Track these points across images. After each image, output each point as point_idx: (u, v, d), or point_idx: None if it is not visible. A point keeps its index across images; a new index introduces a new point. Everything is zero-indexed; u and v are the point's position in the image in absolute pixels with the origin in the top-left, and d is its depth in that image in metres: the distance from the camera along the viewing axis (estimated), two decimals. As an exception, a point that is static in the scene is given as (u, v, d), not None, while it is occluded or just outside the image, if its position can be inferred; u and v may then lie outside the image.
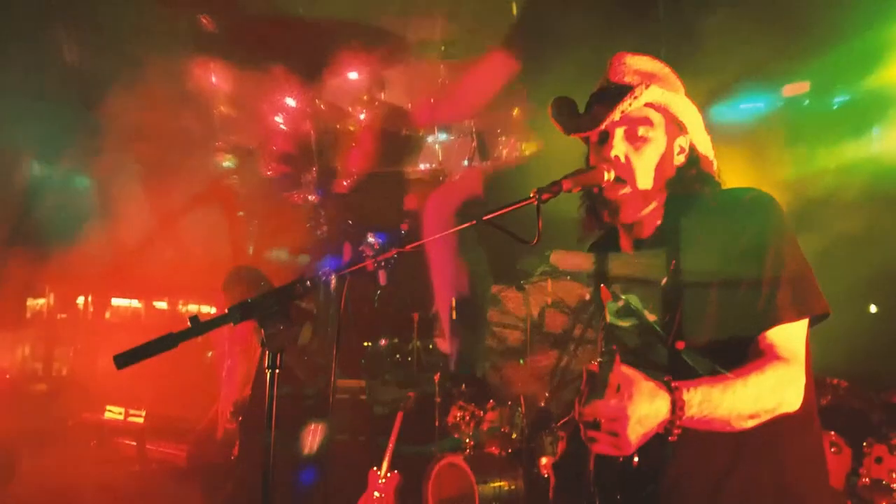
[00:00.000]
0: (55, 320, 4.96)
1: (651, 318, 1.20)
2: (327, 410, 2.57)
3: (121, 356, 0.96)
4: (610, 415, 0.94)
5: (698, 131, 1.27)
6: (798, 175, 3.49)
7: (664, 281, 1.19)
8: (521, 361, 4.10)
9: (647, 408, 0.95)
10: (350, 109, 5.32)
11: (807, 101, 3.83)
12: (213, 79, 4.97)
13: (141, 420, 3.16)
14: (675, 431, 0.97)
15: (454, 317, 4.46)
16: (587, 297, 4.28)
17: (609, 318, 1.30)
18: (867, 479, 2.33)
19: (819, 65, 3.53)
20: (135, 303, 5.20)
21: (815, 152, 3.56)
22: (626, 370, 0.97)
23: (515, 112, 4.88)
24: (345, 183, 5.31)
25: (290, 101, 5.18)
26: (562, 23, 4.15)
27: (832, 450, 2.43)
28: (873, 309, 3.21)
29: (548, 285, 4.39)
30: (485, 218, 1.19)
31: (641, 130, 1.21)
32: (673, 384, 0.98)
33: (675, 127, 1.24)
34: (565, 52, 3.84)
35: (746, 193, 1.16)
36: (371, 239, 4.68)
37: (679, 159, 1.24)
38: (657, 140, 1.22)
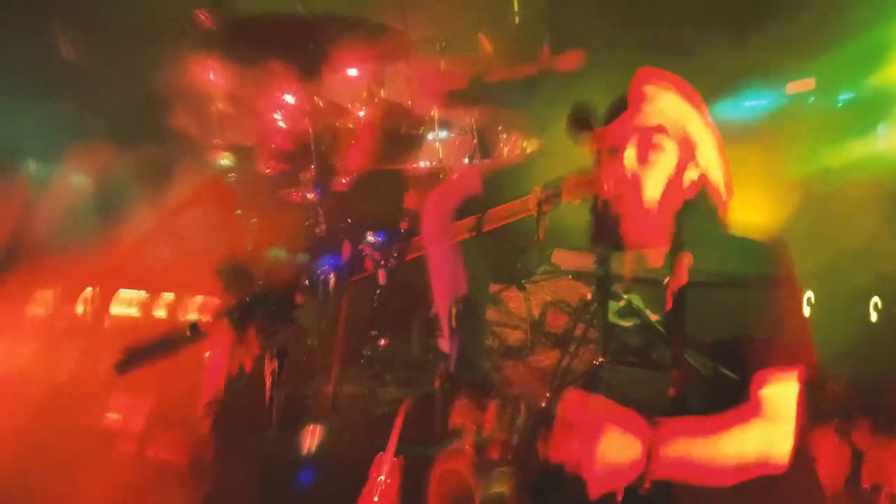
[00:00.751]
0: (55, 321, 5.00)
1: (653, 317, 1.25)
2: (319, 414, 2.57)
3: (121, 362, 0.99)
4: (573, 460, 0.96)
5: (714, 167, 1.28)
6: (802, 173, 3.51)
7: (666, 280, 1.21)
8: (522, 362, 4.12)
9: (614, 459, 0.95)
10: (349, 106, 5.34)
11: (811, 99, 3.85)
12: (211, 75, 4.99)
13: (141, 423, 3.19)
14: (645, 485, 0.98)
15: (454, 317, 4.49)
16: (589, 296, 4.29)
17: (611, 318, 1.32)
18: (867, 482, 2.36)
19: (824, 62, 3.55)
20: (135, 303, 5.22)
21: (819, 150, 3.58)
22: (596, 412, 0.97)
23: (516, 108, 4.89)
24: (344, 181, 5.32)
25: (289, 99, 5.20)
26: (562, 19, 4.17)
27: (832, 451, 2.46)
28: (876, 308, 3.23)
29: (549, 285, 4.41)
30: (485, 229, 1.23)
31: (653, 152, 1.23)
32: (653, 438, 0.98)
33: (688, 151, 1.26)
34: (567, 48, 3.87)
35: (756, 243, 1.19)
36: (371, 238, 4.69)
37: (689, 191, 1.26)
38: (667, 160, 1.24)
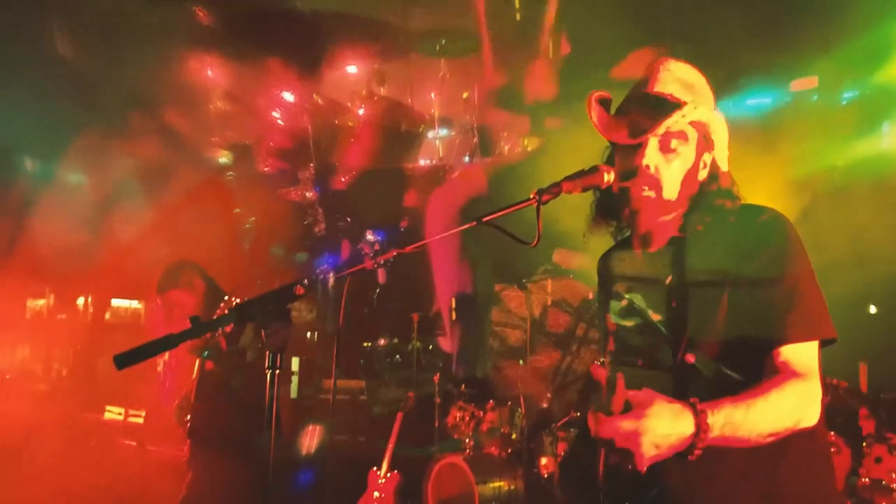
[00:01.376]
0: (55, 320, 5.00)
1: (655, 317, 1.22)
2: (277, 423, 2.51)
3: (121, 356, 0.98)
4: (623, 434, 0.95)
5: (723, 147, 1.28)
6: (806, 172, 3.50)
7: (669, 280, 1.21)
8: (522, 362, 4.13)
9: (667, 428, 0.96)
10: (349, 104, 5.34)
11: (815, 97, 3.85)
12: (209, 73, 4.99)
13: (141, 420, 3.20)
14: (696, 452, 0.98)
15: (455, 316, 4.50)
16: (590, 296, 4.31)
17: (612, 318, 1.33)
18: (867, 480, 2.37)
19: (827, 60, 3.54)
20: (135, 303, 5.22)
21: (823, 148, 3.58)
22: (644, 391, 0.97)
23: (517, 106, 4.90)
24: (343, 179, 5.32)
25: (288, 96, 5.20)
26: (565, 17, 4.17)
27: (832, 450, 2.48)
28: (873, 309, 3.25)
29: (550, 284, 4.41)
30: (484, 220, 1.22)
31: (674, 143, 1.23)
32: (699, 407, 0.99)
33: (705, 142, 1.25)
34: (570, 46, 3.86)
35: (764, 213, 1.17)
36: (370, 237, 4.70)
37: (702, 174, 1.26)
38: (687, 154, 1.25)
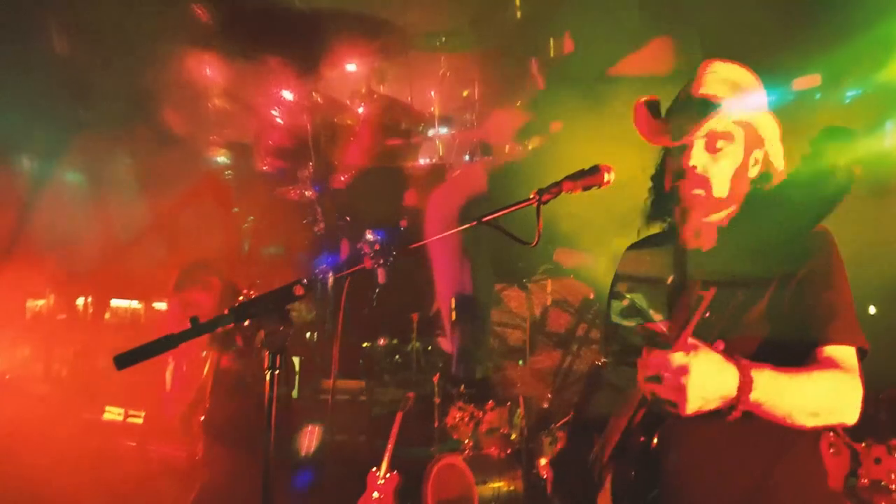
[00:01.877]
0: (55, 320, 5.02)
1: (657, 317, 1.22)
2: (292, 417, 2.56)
3: (121, 356, 0.99)
4: (675, 367, 0.95)
5: (775, 143, 1.29)
6: (808, 171, 3.51)
7: (670, 280, 1.23)
8: (522, 362, 4.15)
9: (713, 374, 0.96)
10: (348, 103, 5.34)
11: (818, 95, 3.85)
12: (207, 71, 4.99)
13: (141, 420, 3.22)
14: (736, 412, 0.97)
15: (455, 316, 4.51)
16: (591, 296, 4.32)
17: (613, 318, 1.34)
18: (866, 480, 2.38)
19: (830, 58, 3.54)
20: (135, 303, 5.24)
21: (825, 148, 3.58)
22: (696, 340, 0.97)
23: (518, 104, 4.91)
24: (342, 178, 5.34)
25: (287, 94, 5.20)
26: (566, 16, 4.18)
27: (831, 451, 2.49)
28: (872, 310, 3.26)
29: (550, 284, 4.42)
30: (484, 219, 1.24)
31: (720, 143, 1.24)
32: (742, 362, 0.99)
33: (754, 140, 1.27)
34: (569, 42, 3.87)
35: (812, 232, 1.20)
36: (369, 236, 4.70)
37: (753, 171, 1.28)
38: (735, 153, 1.26)
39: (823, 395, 1.05)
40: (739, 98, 1.24)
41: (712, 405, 0.97)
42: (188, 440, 2.54)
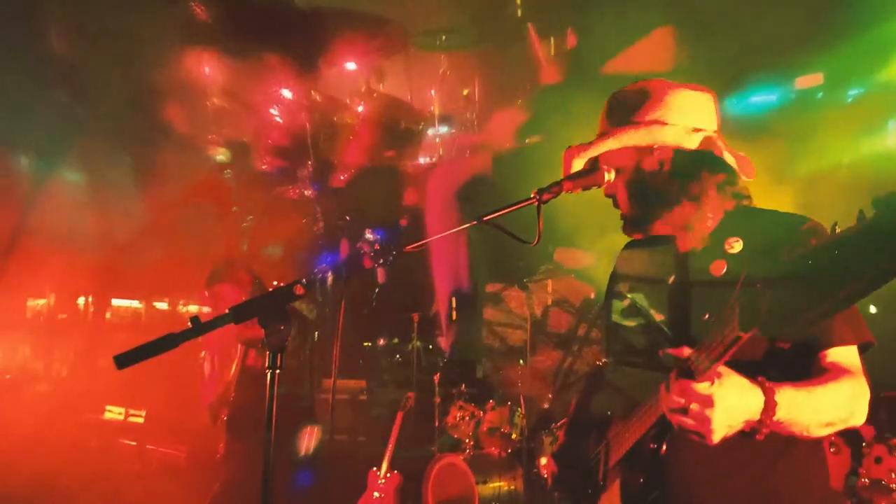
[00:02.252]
0: (55, 320, 5.03)
1: (658, 317, 1.23)
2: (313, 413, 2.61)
3: (121, 356, 1.00)
4: (699, 398, 0.95)
5: (677, 135, 1.24)
6: (810, 170, 3.51)
7: (671, 279, 1.23)
8: (523, 362, 4.15)
9: (736, 400, 0.97)
10: (347, 101, 5.35)
11: (820, 94, 3.85)
12: (207, 70, 4.99)
13: (141, 420, 3.22)
14: (764, 431, 0.99)
15: (454, 314, 4.52)
16: (592, 295, 4.32)
17: (614, 318, 1.34)
18: (866, 480, 2.39)
19: (833, 57, 3.54)
20: (135, 303, 5.25)
21: (828, 146, 3.59)
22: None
23: (518, 102, 4.92)
24: (342, 177, 5.34)
25: (286, 93, 5.20)
26: (567, 14, 4.18)
27: (831, 450, 2.49)
28: (872, 309, 3.27)
29: (551, 284, 4.43)
30: (485, 219, 1.24)
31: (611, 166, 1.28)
32: (766, 384, 1.00)
33: (657, 151, 1.26)
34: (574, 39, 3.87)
35: (807, 221, 1.19)
36: (369, 235, 4.71)
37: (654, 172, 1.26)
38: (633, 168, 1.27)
39: (839, 406, 1.08)
40: (684, 100, 1.24)
41: (737, 429, 0.99)
42: (214, 433, 2.58)
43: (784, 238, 1.15)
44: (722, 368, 0.98)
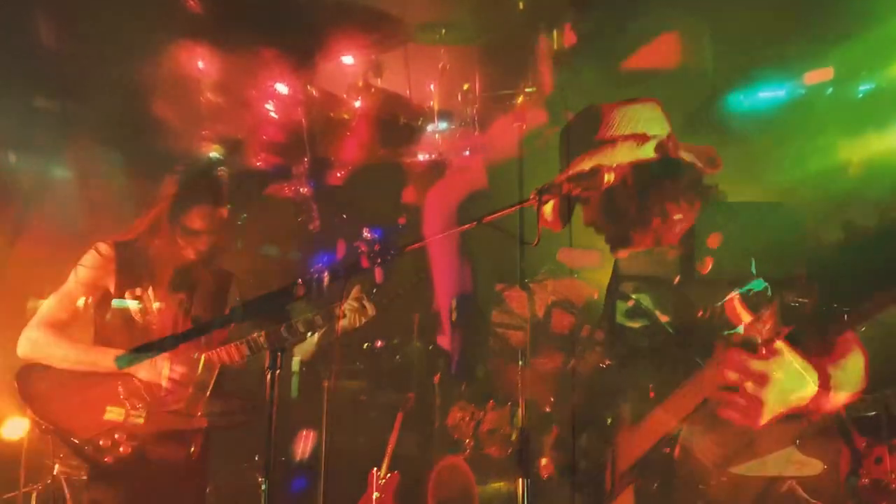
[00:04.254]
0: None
1: (663, 318, 1.27)
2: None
3: (121, 356, 1.06)
4: (756, 374, 0.93)
5: (629, 151, 1.29)
6: (820, 168, 3.54)
7: (677, 280, 1.28)
8: (523, 363, 4.20)
9: (794, 384, 0.96)
10: (344, 96, 5.38)
11: (830, 90, 3.88)
12: (199, 64, 5.02)
13: (141, 420, 3.26)
14: (814, 418, 1.03)
15: (454, 316, 4.57)
16: (595, 296, 4.37)
17: (618, 319, 1.38)
18: (867, 480, 2.44)
19: (843, 51, 3.58)
20: (135, 303, 5.26)
21: (837, 143, 3.62)
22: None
23: (519, 100, 4.96)
24: (339, 174, 5.38)
25: (281, 88, 5.23)
26: (569, 8, 4.22)
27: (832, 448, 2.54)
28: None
29: (553, 284, 4.48)
30: (485, 220, 1.29)
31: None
32: (822, 362, 1.00)
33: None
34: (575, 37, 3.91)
35: (778, 209, 1.25)
36: (367, 234, 4.75)
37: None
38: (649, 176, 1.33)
39: (855, 375, 1.10)
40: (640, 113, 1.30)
41: (782, 415, 0.98)
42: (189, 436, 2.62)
43: (759, 225, 1.20)
44: (780, 344, 0.96)
